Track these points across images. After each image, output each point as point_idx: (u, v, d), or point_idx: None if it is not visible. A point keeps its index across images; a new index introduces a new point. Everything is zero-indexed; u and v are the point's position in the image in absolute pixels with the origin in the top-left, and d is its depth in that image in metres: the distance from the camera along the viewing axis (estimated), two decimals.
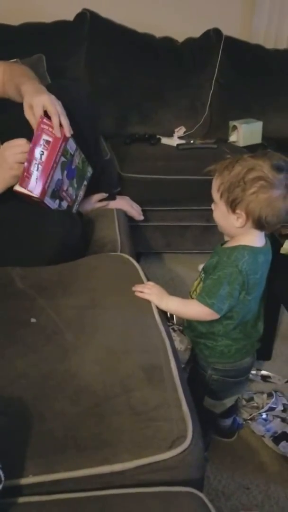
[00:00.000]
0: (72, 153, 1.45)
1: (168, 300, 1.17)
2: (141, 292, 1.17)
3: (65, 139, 1.40)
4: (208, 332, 1.22)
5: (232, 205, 1.09)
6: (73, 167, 1.47)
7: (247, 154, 1.12)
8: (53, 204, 1.42)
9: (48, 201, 1.39)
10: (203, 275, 1.21)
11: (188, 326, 1.28)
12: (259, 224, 1.10)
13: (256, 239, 1.14)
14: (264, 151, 1.14)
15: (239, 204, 1.08)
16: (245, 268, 1.11)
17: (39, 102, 1.37)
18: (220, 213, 1.14)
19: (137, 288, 1.18)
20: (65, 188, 1.45)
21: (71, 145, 1.44)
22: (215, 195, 1.13)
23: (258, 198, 1.06)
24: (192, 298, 1.22)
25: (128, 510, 0.75)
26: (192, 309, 1.17)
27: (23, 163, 1.33)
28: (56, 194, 1.42)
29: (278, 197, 1.06)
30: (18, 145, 1.34)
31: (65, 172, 1.43)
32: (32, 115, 1.39)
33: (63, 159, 1.41)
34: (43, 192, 1.36)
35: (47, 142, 1.36)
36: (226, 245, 1.19)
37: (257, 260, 1.13)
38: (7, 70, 1.57)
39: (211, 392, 1.29)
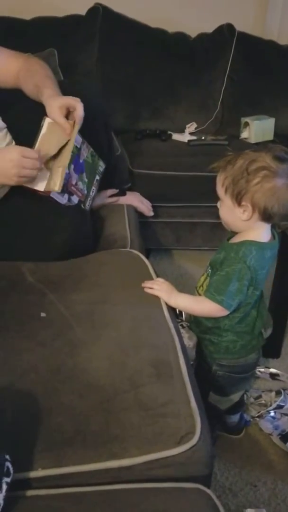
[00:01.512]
0: (78, 146, 1.45)
1: (177, 297, 1.17)
2: (151, 288, 1.18)
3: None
4: (214, 327, 1.22)
5: (238, 198, 1.10)
6: (81, 161, 1.46)
7: (248, 150, 1.13)
8: (61, 198, 1.41)
9: (55, 195, 1.39)
10: (209, 270, 1.21)
11: (194, 321, 1.28)
12: (265, 215, 1.10)
13: (263, 233, 1.14)
14: (265, 145, 1.16)
15: (244, 196, 1.09)
16: (253, 264, 1.11)
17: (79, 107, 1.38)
18: (226, 209, 1.14)
19: (147, 284, 1.19)
20: (73, 182, 1.45)
21: (77, 139, 1.43)
22: (220, 191, 1.14)
23: (262, 188, 1.07)
24: (198, 293, 1.22)
25: (136, 505, 0.75)
26: (202, 306, 1.17)
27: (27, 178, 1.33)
28: (64, 188, 1.42)
29: (282, 186, 1.07)
30: (34, 160, 1.31)
31: (72, 166, 1.43)
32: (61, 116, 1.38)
33: None
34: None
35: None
36: (232, 240, 1.19)
37: (264, 255, 1.13)
38: (23, 64, 1.55)
39: (216, 388, 1.29)
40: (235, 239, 1.17)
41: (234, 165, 1.10)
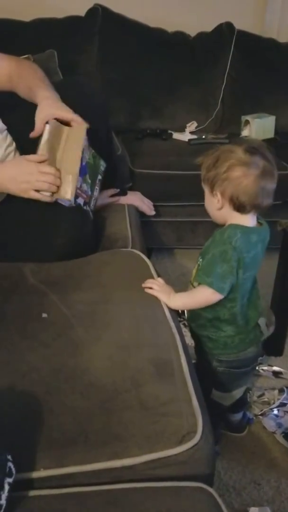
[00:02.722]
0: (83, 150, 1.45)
1: (175, 298, 1.18)
2: (150, 288, 1.18)
3: None
4: (213, 318, 1.22)
5: (211, 187, 1.15)
6: (83, 163, 1.47)
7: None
8: (65, 201, 1.41)
9: (61, 200, 1.39)
10: (200, 260, 1.22)
11: (192, 315, 1.28)
12: (235, 204, 1.13)
13: (244, 220, 1.16)
14: (242, 138, 1.20)
15: (215, 185, 1.14)
16: (239, 245, 1.12)
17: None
18: (206, 199, 1.20)
19: (147, 284, 1.19)
20: (78, 185, 1.45)
21: (84, 142, 1.43)
22: (203, 183, 1.19)
23: (229, 177, 1.11)
24: (193, 286, 1.23)
25: (138, 504, 0.75)
26: (196, 296, 1.18)
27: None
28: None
29: (249, 176, 1.10)
30: (49, 175, 1.32)
31: (79, 166, 1.43)
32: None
33: None
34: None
35: None
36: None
37: (249, 239, 1.14)
38: (16, 67, 1.56)
39: (218, 384, 1.29)
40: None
41: (210, 156, 1.16)
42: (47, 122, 1.38)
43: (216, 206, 1.16)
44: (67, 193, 1.35)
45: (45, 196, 1.33)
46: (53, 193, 1.34)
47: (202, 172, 1.17)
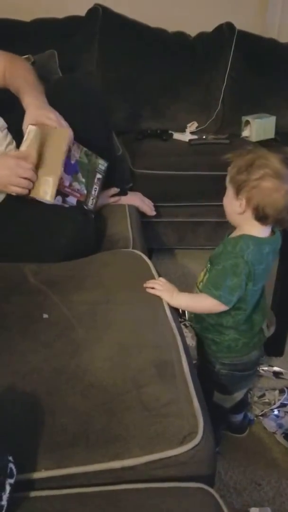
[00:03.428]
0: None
1: (178, 297, 1.17)
2: (153, 288, 1.18)
3: None
4: (216, 324, 1.21)
5: (237, 190, 1.11)
6: (72, 162, 1.46)
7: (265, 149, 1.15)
8: (48, 201, 1.42)
9: (43, 199, 1.39)
10: (209, 265, 1.21)
11: (195, 318, 1.28)
12: (258, 214, 1.10)
13: (260, 230, 1.14)
14: (281, 148, 1.16)
15: (243, 189, 1.10)
16: (251, 258, 1.11)
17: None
18: (228, 198, 1.16)
19: (149, 284, 1.19)
20: (67, 184, 1.45)
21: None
22: (227, 179, 1.15)
23: (260, 186, 1.08)
24: (198, 288, 1.22)
25: (139, 505, 0.75)
26: (202, 303, 1.17)
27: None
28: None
29: (280, 189, 1.07)
30: (29, 170, 1.34)
31: (62, 168, 1.44)
32: None
33: None
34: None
35: None
36: (231, 236, 1.19)
37: (261, 251, 1.13)
38: (9, 65, 1.56)
39: (220, 386, 1.29)
40: (234, 234, 1.18)
41: (244, 157, 1.11)
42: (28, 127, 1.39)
43: (237, 210, 1.13)
44: (47, 194, 1.37)
45: (24, 190, 1.34)
46: (30, 191, 1.35)
47: (231, 171, 1.13)
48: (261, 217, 1.11)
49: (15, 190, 1.35)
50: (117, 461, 0.79)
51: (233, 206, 1.13)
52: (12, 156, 1.37)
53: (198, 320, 1.27)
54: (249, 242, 1.12)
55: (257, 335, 1.25)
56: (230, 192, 1.14)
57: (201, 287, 1.19)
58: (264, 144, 2.33)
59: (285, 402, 1.57)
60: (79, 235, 1.38)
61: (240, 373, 1.28)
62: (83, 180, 1.52)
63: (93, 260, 1.34)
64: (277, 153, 1.10)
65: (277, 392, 1.63)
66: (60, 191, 1.43)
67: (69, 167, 1.45)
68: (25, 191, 1.35)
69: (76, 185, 1.48)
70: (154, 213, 2.07)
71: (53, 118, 1.40)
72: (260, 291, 1.20)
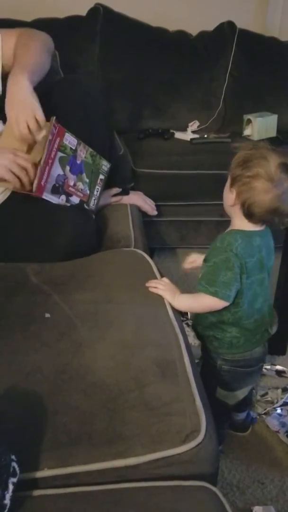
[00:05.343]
0: (74, 147, 1.45)
1: (179, 298, 1.18)
2: (155, 287, 1.18)
3: (59, 135, 1.39)
4: (218, 321, 1.21)
5: (232, 182, 1.13)
6: (78, 162, 1.47)
7: (274, 148, 1.14)
8: (56, 199, 1.42)
9: (48, 197, 1.39)
10: (204, 263, 1.22)
11: (197, 317, 1.28)
12: (243, 209, 1.12)
13: (249, 225, 1.15)
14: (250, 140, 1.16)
15: (236, 183, 1.12)
16: (240, 251, 1.12)
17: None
18: (225, 187, 1.17)
19: (151, 283, 1.19)
20: (71, 183, 1.45)
21: (70, 140, 1.43)
22: (228, 171, 1.16)
23: (250, 184, 1.09)
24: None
25: (142, 503, 0.75)
26: (201, 302, 1.17)
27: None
28: (59, 189, 1.42)
29: (269, 192, 1.08)
30: (26, 161, 1.33)
31: (68, 168, 1.44)
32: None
33: (61, 154, 1.41)
34: (40, 188, 1.36)
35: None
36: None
37: (251, 243, 1.14)
38: (20, 44, 1.51)
39: (223, 383, 1.29)
40: (226, 231, 1.19)
41: (246, 151, 1.12)
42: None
43: (229, 202, 1.15)
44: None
45: (16, 181, 1.33)
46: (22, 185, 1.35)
47: (233, 161, 1.14)
48: (246, 213, 1.12)
49: (12, 180, 1.32)
50: (120, 460, 0.79)
51: (228, 196, 1.16)
52: (8, 148, 1.35)
53: (199, 321, 1.27)
54: (236, 236, 1.13)
55: (260, 332, 1.25)
56: (227, 182, 1.16)
57: (197, 286, 1.19)
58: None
59: None
60: (80, 234, 1.38)
61: (242, 369, 1.27)
62: (87, 180, 1.52)
63: (95, 259, 1.34)
64: (281, 155, 1.10)
65: (279, 390, 1.63)
66: (65, 191, 1.43)
67: (75, 167, 1.45)
68: (17, 185, 1.33)
69: (80, 185, 1.48)
70: (155, 212, 2.07)
71: (19, 123, 1.34)
72: (261, 284, 1.20)
